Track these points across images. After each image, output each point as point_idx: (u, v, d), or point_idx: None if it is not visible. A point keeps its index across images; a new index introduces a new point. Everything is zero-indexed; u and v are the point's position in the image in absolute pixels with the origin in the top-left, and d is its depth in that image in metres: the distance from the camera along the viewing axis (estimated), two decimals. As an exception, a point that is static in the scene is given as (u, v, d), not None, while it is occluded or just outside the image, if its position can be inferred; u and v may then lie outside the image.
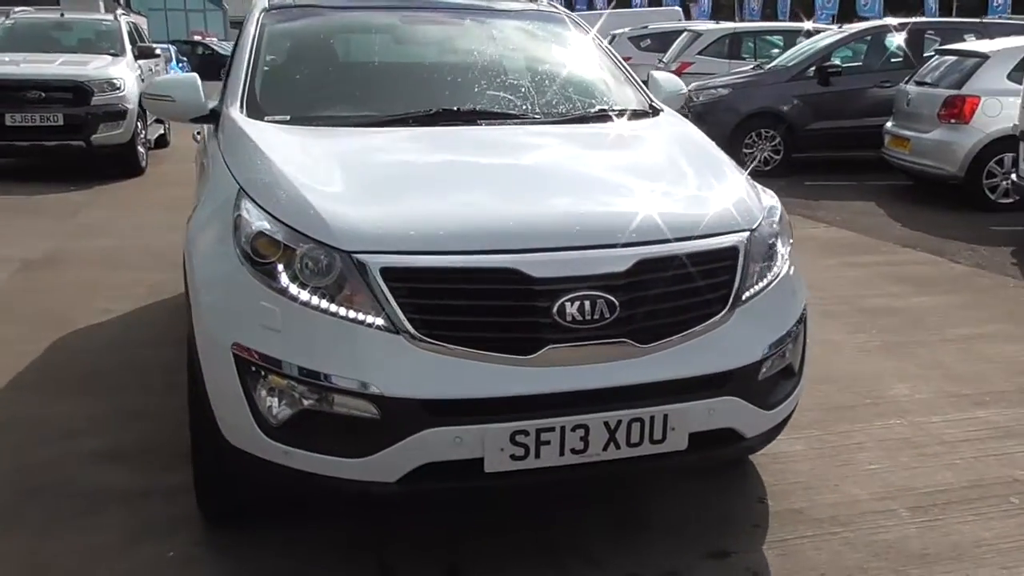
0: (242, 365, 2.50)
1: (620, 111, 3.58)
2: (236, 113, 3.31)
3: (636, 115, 3.58)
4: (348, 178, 2.77)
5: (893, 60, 11.57)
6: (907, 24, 11.69)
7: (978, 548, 2.93)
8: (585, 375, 2.45)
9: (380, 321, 2.39)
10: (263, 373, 2.48)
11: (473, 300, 2.43)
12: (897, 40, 11.45)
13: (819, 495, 3.26)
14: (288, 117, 3.29)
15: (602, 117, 3.54)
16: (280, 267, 2.51)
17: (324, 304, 2.43)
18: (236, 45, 3.79)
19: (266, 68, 3.58)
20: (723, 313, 2.61)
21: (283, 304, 2.46)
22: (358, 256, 2.43)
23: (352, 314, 2.41)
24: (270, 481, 2.68)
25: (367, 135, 3.21)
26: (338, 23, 4.02)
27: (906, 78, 9.91)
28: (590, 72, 3.89)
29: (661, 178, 2.97)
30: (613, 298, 2.45)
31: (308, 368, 2.42)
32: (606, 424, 2.46)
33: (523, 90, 3.62)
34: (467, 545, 2.90)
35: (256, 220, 2.60)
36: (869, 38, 11.86)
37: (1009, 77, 8.65)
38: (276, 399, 2.48)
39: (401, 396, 2.36)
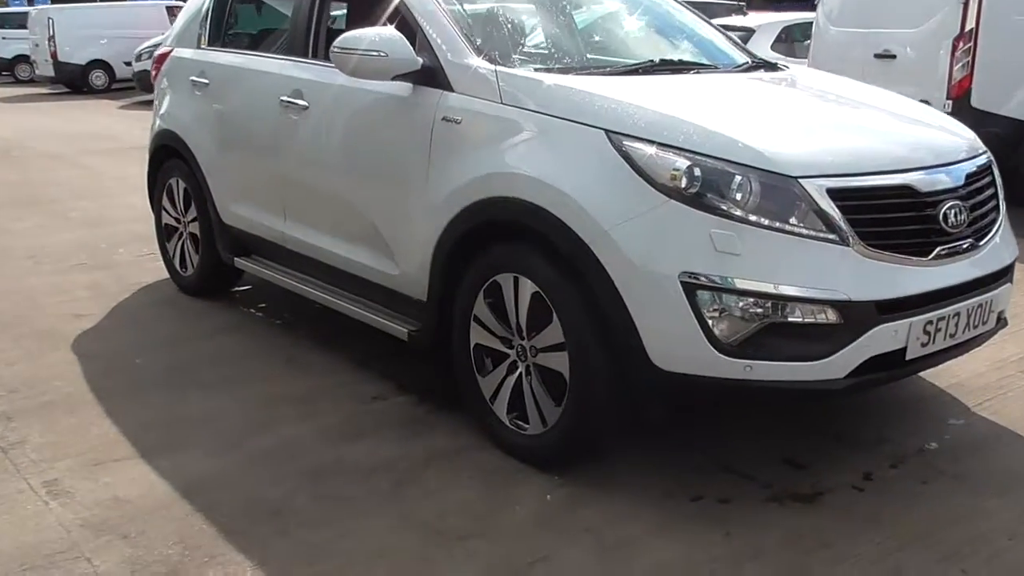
0: (692, 292, 2.65)
1: (765, 62, 4.04)
2: (483, 63, 3.26)
3: (771, 66, 4.04)
4: (725, 114, 2.97)
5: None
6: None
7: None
8: (959, 271, 2.93)
9: (833, 236, 2.68)
10: (720, 296, 2.65)
11: (888, 213, 2.81)
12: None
13: (953, 375, 3.94)
14: (533, 68, 3.33)
15: (772, 66, 3.97)
16: (711, 196, 2.68)
17: (779, 224, 2.66)
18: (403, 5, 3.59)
19: (468, 24, 3.48)
20: (1000, 217, 3.22)
21: (740, 229, 2.65)
22: (803, 180, 2.69)
23: (807, 231, 2.67)
24: (714, 397, 2.85)
25: (653, 81, 3.34)
26: None
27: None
28: (711, 30, 4.28)
29: (922, 113, 3.50)
30: (964, 205, 2.95)
31: (775, 284, 2.64)
32: (967, 311, 2.96)
33: (688, 45, 3.96)
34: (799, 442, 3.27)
35: (672, 157, 2.73)
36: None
37: (772, 48, 10.24)
38: (735, 319, 2.66)
39: (862, 299, 2.68)
